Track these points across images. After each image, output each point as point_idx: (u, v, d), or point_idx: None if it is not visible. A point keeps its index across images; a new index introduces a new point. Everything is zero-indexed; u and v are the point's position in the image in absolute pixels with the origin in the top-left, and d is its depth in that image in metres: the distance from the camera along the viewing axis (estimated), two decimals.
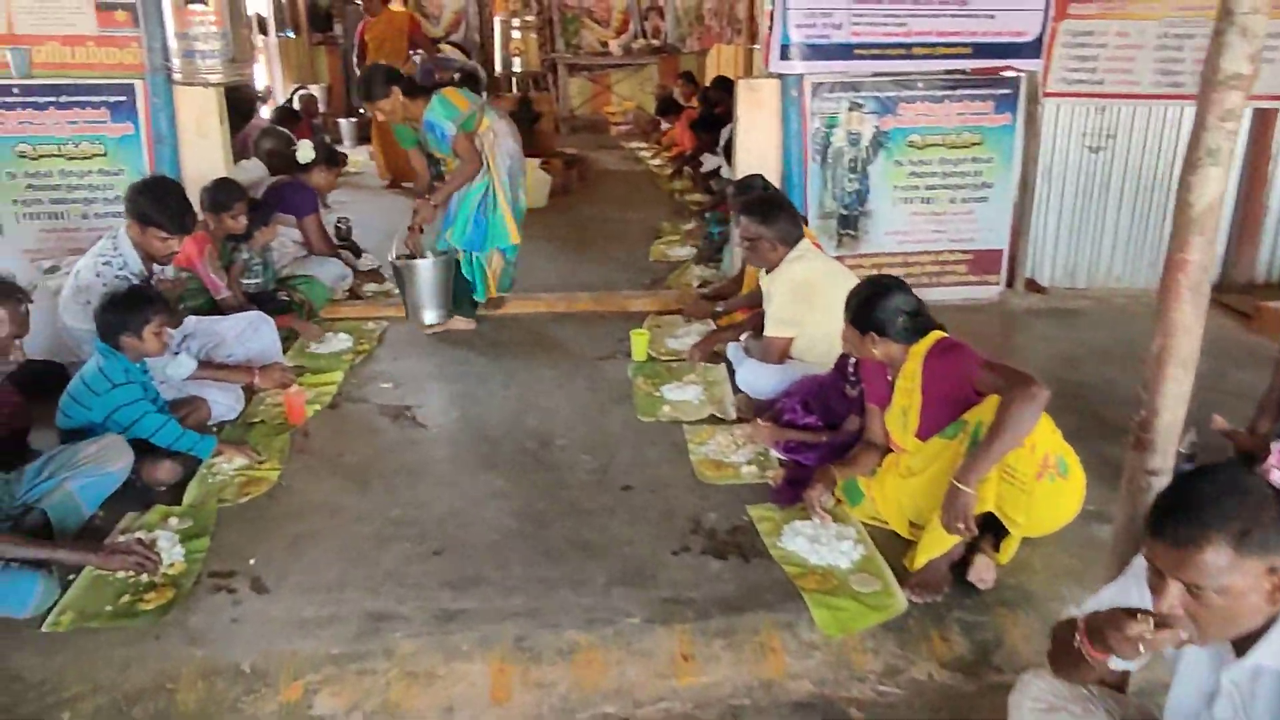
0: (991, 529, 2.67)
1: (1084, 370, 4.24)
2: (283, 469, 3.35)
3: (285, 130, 5.97)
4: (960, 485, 2.44)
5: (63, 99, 4.62)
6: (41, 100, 4.62)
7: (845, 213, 5.11)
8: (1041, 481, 2.54)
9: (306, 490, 3.24)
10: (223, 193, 4.39)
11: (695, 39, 12.68)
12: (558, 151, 9.52)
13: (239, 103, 6.31)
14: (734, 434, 3.57)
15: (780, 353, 3.77)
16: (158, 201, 3.68)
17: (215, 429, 3.64)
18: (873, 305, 2.81)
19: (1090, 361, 4.36)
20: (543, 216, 7.43)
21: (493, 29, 9.51)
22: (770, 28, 4.80)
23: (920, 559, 2.65)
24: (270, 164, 5.60)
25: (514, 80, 9.39)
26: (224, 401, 3.70)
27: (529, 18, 9.40)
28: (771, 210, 3.77)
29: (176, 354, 3.69)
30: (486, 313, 4.90)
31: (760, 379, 3.79)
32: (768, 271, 3.81)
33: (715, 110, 8.43)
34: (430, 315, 4.60)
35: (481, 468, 3.40)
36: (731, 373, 4.02)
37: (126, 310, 3.22)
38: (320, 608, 2.59)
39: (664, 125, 11.12)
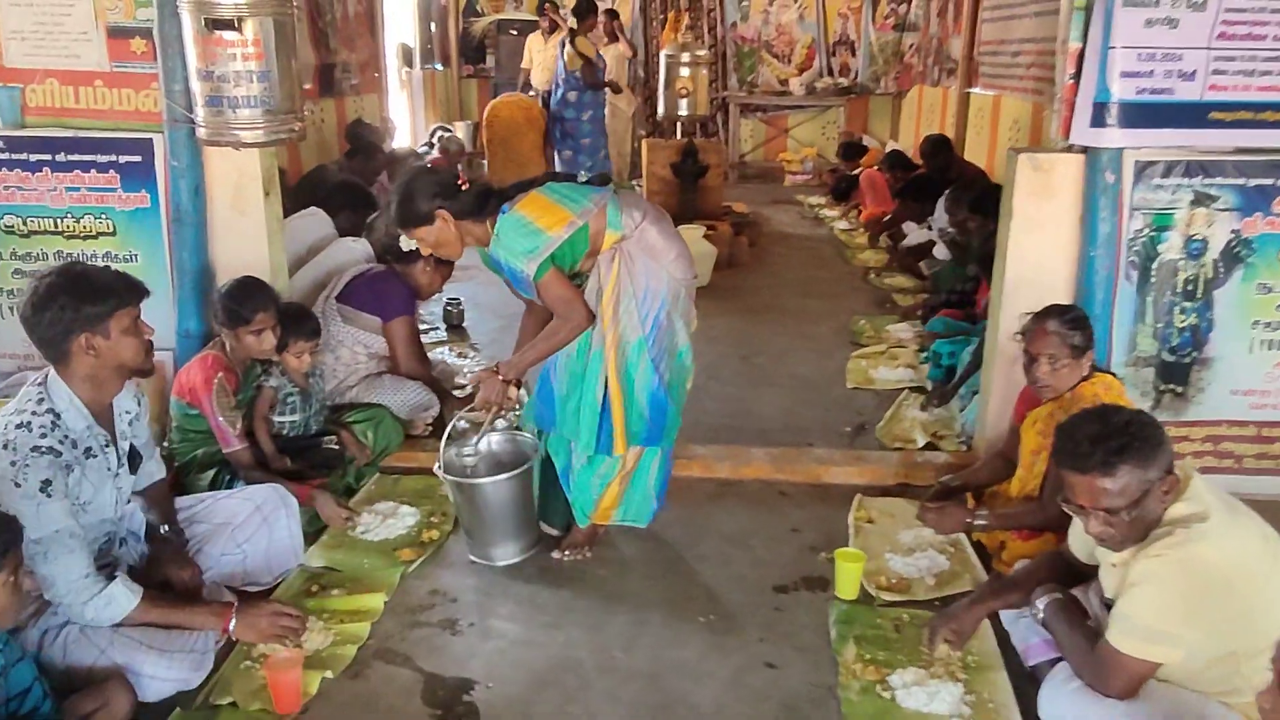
0: None
1: None
2: None
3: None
4: None
5: (61, 157, 3.38)
6: (34, 158, 3.39)
7: (1170, 359, 3.31)
8: None
9: None
10: (239, 298, 3.04)
11: (892, 78, 10.92)
12: (725, 211, 7.97)
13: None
14: None
15: (1135, 681, 2.03)
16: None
17: None
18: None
19: None
20: (704, 303, 5.82)
21: (659, 65, 8.06)
22: (1075, 76, 3.08)
23: None
24: (380, 245, 4.27)
25: (679, 125, 7.90)
26: (169, 675, 2.26)
27: (700, 52, 7.88)
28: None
29: (114, 577, 2.30)
30: None
31: (1085, 716, 2.06)
32: (1131, 547, 2.06)
33: (926, 173, 6.70)
34: (503, 552, 2.96)
35: None
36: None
37: None
38: None
39: (843, 168, 9.41)
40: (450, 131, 9.00)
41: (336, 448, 3.36)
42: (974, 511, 2.85)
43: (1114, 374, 2.87)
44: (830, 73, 11.33)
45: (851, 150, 9.28)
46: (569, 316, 2.74)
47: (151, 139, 3.33)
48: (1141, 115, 3.04)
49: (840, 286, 6.43)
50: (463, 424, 3.08)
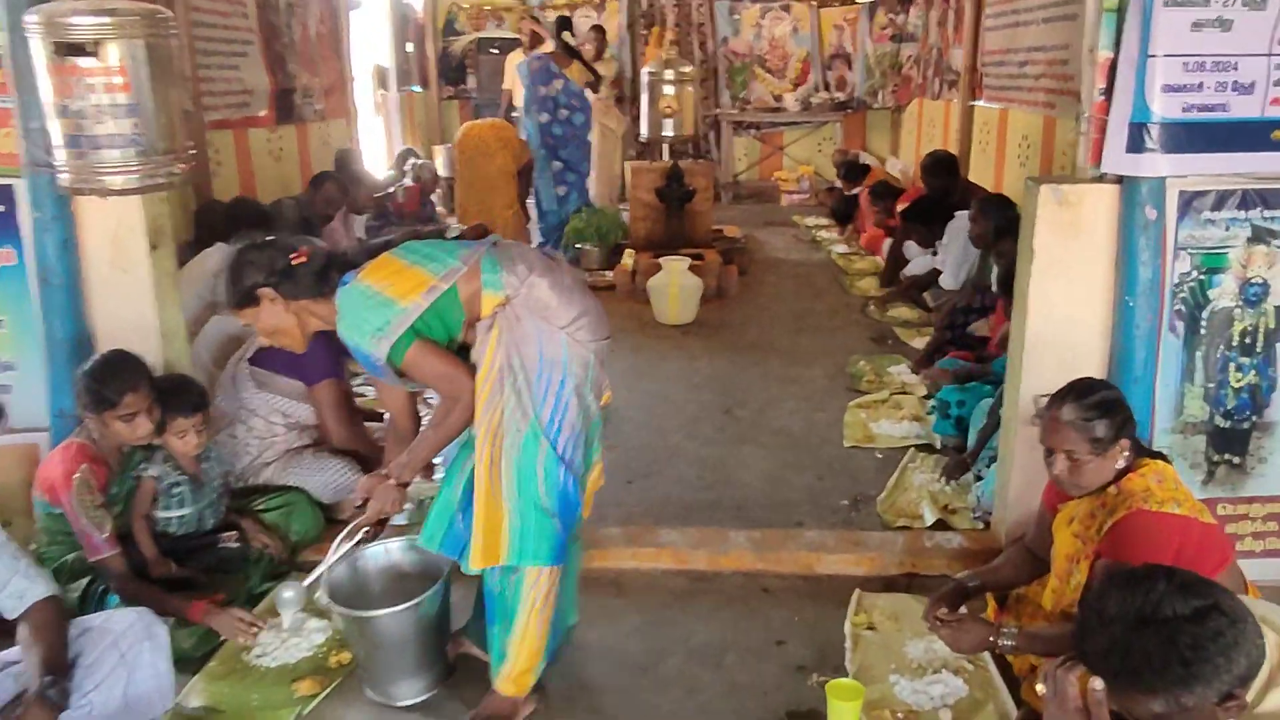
0: None
1: None
2: None
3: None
4: None
5: None
6: None
7: (1225, 424, 2.77)
8: None
9: None
10: (102, 378, 2.53)
11: (890, 92, 10.40)
12: (714, 236, 7.46)
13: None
14: None
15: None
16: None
17: None
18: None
19: None
20: (687, 342, 5.36)
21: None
22: (1107, 91, 2.56)
23: None
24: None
25: (664, 148, 7.39)
26: None
27: (685, 69, 7.37)
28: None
29: None
30: None
31: None
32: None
33: (936, 197, 6.17)
34: (406, 690, 2.40)
35: None
36: None
37: None
38: None
39: (841, 189, 8.89)
40: (420, 158, 8.53)
41: (237, 545, 2.83)
42: (999, 628, 2.30)
43: (1165, 456, 2.33)
44: (826, 87, 10.83)
45: (853, 171, 8.76)
46: (455, 393, 2.21)
47: (12, 185, 2.82)
48: (1189, 138, 2.52)
49: (837, 319, 5.91)
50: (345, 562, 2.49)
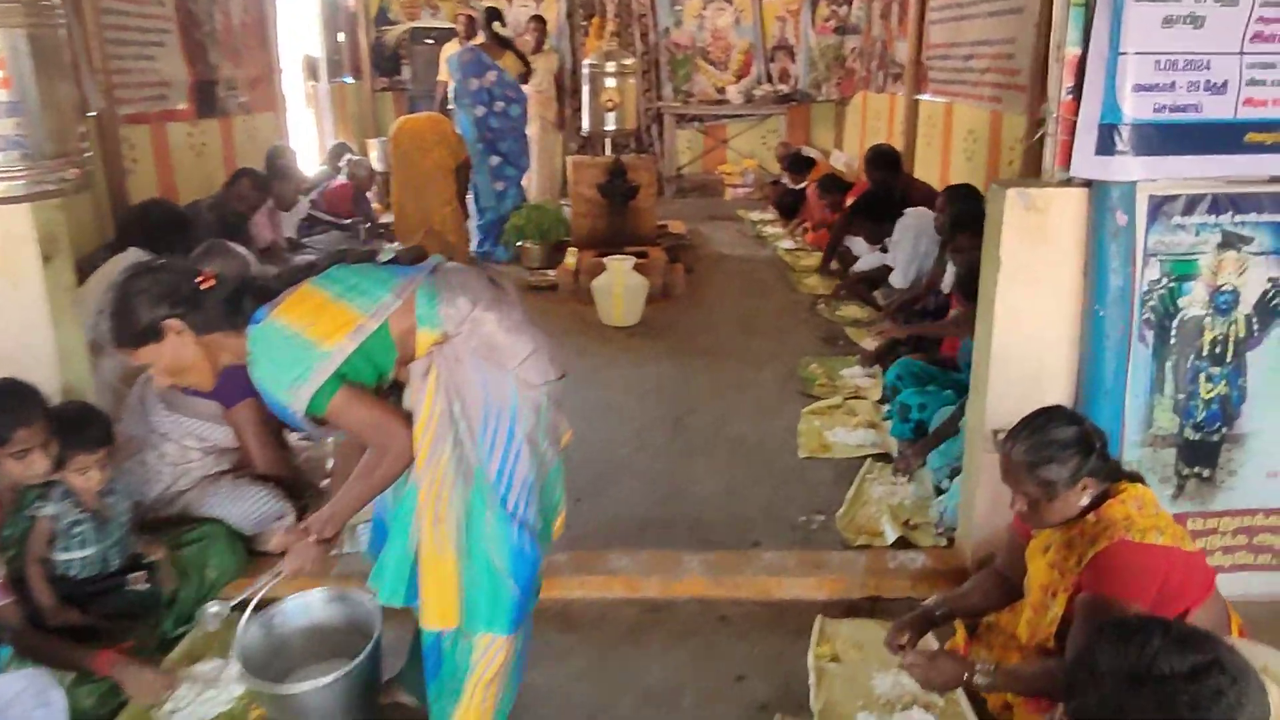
0: None
1: None
2: None
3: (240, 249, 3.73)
4: None
5: None
6: None
7: (1195, 436, 2.67)
8: None
9: None
10: None
11: (834, 85, 10.32)
12: (659, 233, 7.28)
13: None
14: None
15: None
16: None
17: None
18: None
19: None
20: (634, 344, 5.18)
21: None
22: (1075, 90, 2.43)
23: None
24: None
25: (606, 142, 7.19)
26: None
27: (627, 61, 7.17)
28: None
29: None
30: None
31: None
32: None
33: (880, 193, 6.06)
34: None
35: None
36: None
37: None
38: None
39: (788, 183, 8.79)
40: (355, 154, 8.22)
41: (146, 587, 2.59)
42: (973, 666, 2.16)
43: (1140, 477, 2.20)
44: (769, 79, 10.71)
45: (798, 164, 8.64)
46: (386, 443, 1.93)
47: None
48: (1161, 139, 2.40)
49: (786, 319, 5.77)
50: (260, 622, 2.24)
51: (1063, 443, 2.03)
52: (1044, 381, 2.63)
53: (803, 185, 8.38)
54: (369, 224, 7.22)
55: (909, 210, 5.59)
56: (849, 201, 6.68)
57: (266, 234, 5.49)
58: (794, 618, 2.72)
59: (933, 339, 4.49)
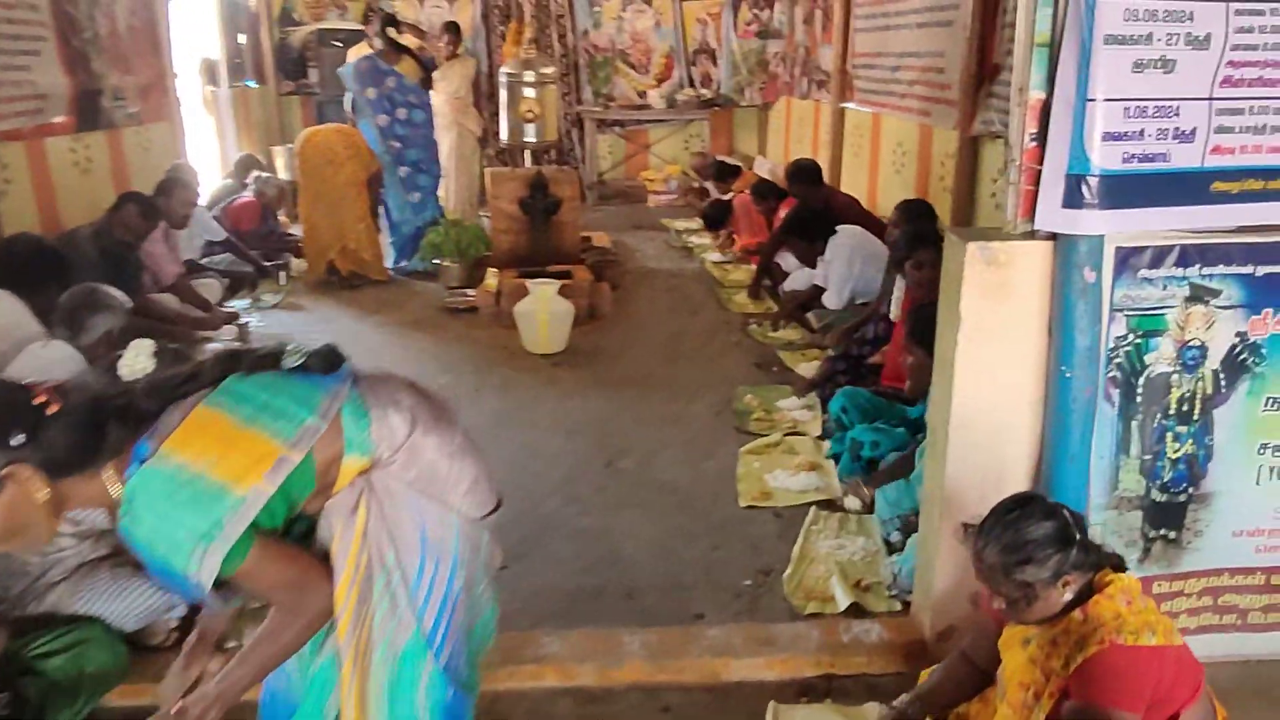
0: None
1: None
2: None
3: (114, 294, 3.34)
4: None
5: None
6: None
7: (1161, 498, 2.53)
8: None
9: None
10: None
11: (756, 90, 10.17)
12: (584, 247, 7.02)
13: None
14: None
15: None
16: None
17: None
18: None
19: None
20: (556, 375, 4.93)
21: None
22: (1039, 139, 2.25)
23: None
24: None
25: (526, 154, 6.89)
26: None
27: (547, 69, 6.88)
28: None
29: None
30: None
31: None
32: None
33: (810, 210, 5.90)
34: None
35: None
36: None
37: None
38: None
39: (714, 192, 8.62)
40: (264, 169, 7.76)
41: (6, 713, 2.24)
42: None
43: (1121, 561, 2.04)
44: (691, 83, 10.51)
45: (724, 172, 8.46)
46: (300, 607, 1.59)
47: None
48: (1130, 191, 2.23)
49: (717, 341, 5.57)
50: None
51: (1040, 541, 1.86)
52: (1006, 444, 2.46)
53: (729, 195, 8.21)
54: (284, 266, 6.73)
55: (841, 229, 5.44)
56: (783, 211, 6.51)
57: (169, 266, 5.04)
58: (743, 701, 2.51)
59: (873, 366, 4.35)
